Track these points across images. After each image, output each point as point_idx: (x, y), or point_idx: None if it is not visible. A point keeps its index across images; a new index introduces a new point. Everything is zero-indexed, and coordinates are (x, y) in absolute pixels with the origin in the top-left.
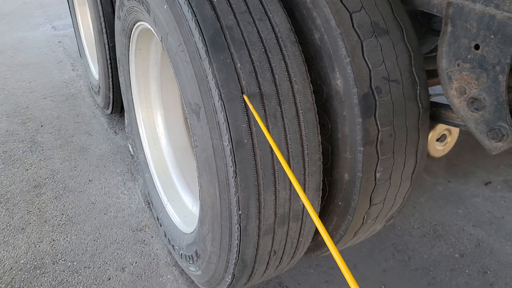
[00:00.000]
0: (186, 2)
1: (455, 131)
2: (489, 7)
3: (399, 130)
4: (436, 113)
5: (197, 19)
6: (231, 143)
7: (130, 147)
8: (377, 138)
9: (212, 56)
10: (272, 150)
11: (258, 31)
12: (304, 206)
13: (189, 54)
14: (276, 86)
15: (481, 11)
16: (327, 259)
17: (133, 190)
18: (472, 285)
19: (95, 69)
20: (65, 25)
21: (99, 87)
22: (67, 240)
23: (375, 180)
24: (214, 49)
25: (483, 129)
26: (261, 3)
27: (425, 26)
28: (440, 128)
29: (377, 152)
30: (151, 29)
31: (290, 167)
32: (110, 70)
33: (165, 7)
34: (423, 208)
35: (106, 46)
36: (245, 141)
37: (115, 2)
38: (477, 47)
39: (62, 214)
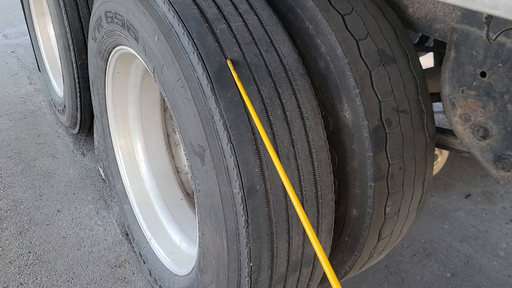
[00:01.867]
0: (185, 32)
1: (446, 151)
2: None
3: (409, 162)
4: (437, 139)
5: (199, 52)
6: (242, 190)
7: (101, 171)
8: (388, 172)
9: (218, 94)
10: (286, 194)
11: (266, 64)
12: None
13: (191, 91)
14: (288, 124)
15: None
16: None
17: (107, 219)
18: None
19: (58, 86)
20: (18, 33)
21: (64, 106)
22: (37, 283)
23: (384, 215)
24: (220, 85)
25: (489, 158)
26: (266, 32)
27: (418, 45)
28: None
29: (388, 187)
30: (138, 56)
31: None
32: (78, 89)
33: (156, 38)
34: None
35: (74, 64)
36: (258, 187)
37: (83, 18)
38: (483, 74)
39: (29, 252)
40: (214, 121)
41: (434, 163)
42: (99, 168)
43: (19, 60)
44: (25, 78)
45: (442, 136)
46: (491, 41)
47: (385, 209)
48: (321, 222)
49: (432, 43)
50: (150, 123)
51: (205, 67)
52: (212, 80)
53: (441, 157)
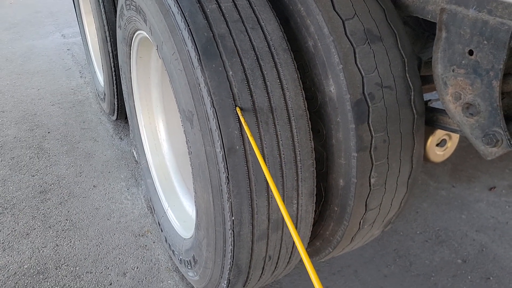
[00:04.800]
0: (179, 11)
1: (455, 136)
2: (481, 13)
3: (393, 136)
4: (433, 119)
5: (189, 28)
6: (223, 150)
7: (134, 153)
8: (371, 144)
9: (204, 64)
10: (264, 156)
11: (250, 40)
12: (297, 212)
13: (182, 63)
14: (268, 93)
15: (474, 17)
16: (328, 264)
17: (136, 195)
18: None
19: (101, 76)
20: (74, 33)
21: (105, 94)
22: (70, 245)
23: (369, 185)
24: (206, 57)
25: (478, 134)
26: (254, 12)
27: (428, 31)
28: (440, 133)
29: (371, 158)
30: (148, 37)
31: (282, 172)
32: (114, 77)
33: (159, 17)
34: (426, 213)
35: (110, 54)
36: (237, 147)
37: None
38: (471, 52)
39: (66, 220)
40: (200, 88)
41: (443, 148)
42: (133, 150)
43: (73, 56)
44: (77, 72)
45: (438, 116)
46: None
47: (369, 179)
48: (301, 185)
49: None
50: (170, 104)
51: (194, 41)
52: (199, 52)
53: (451, 142)
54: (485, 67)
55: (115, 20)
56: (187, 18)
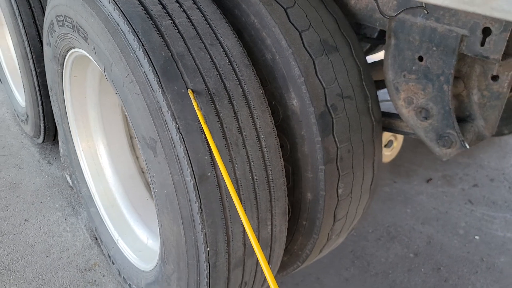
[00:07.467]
0: (130, 30)
1: (400, 136)
2: (429, 20)
3: (356, 145)
4: (386, 123)
5: (144, 48)
6: (193, 178)
7: (68, 178)
8: (337, 155)
9: (165, 86)
10: (237, 179)
11: (211, 57)
12: (272, 233)
13: (139, 86)
14: (235, 113)
15: (423, 25)
16: (291, 277)
17: (76, 225)
18: (428, 283)
19: (20, 96)
20: None
21: (27, 115)
22: None
23: (337, 196)
24: (166, 78)
25: (432, 137)
26: (211, 27)
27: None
28: (386, 135)
29: (338, 169)
30: (90, 57)
31: (256, 195)
32: (39, 97)
33: (106, 35)
34: (374, 211)
35: (33, 72)
36: (208, 174)
37: (40, 25)
38: (421, 58)
39: None
40: (162, 113)
41: (390, 148)
42: (66, 175)
43: None
44: None
45: (390, 120)
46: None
47: (337, 191)
48: (274, 205)
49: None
50: (111, 125)
51: (151, 61)
52: (158, 74)
53: (396, 142)
54: (435, 72)
55: (37, 34)
56: (140, 37)
